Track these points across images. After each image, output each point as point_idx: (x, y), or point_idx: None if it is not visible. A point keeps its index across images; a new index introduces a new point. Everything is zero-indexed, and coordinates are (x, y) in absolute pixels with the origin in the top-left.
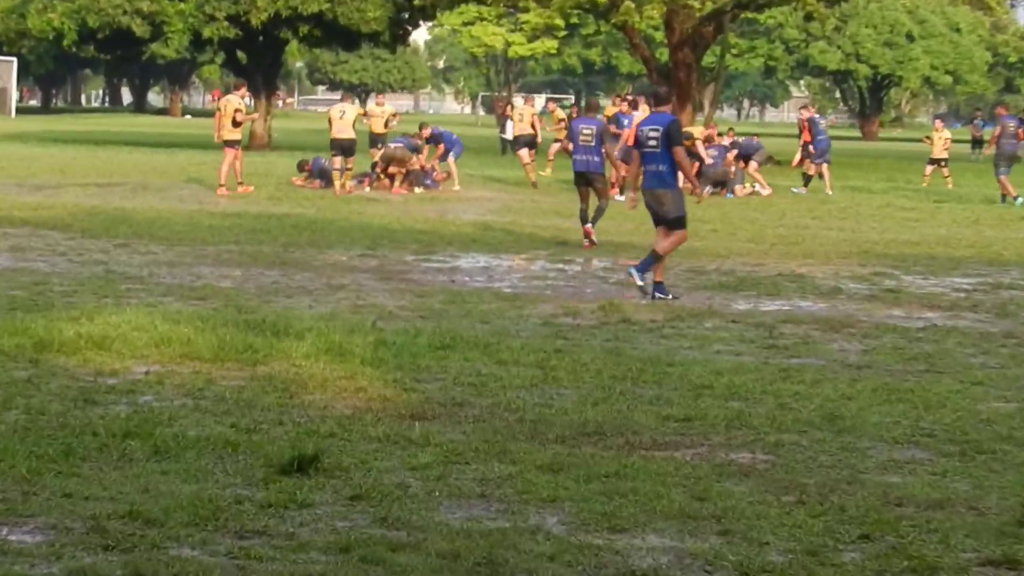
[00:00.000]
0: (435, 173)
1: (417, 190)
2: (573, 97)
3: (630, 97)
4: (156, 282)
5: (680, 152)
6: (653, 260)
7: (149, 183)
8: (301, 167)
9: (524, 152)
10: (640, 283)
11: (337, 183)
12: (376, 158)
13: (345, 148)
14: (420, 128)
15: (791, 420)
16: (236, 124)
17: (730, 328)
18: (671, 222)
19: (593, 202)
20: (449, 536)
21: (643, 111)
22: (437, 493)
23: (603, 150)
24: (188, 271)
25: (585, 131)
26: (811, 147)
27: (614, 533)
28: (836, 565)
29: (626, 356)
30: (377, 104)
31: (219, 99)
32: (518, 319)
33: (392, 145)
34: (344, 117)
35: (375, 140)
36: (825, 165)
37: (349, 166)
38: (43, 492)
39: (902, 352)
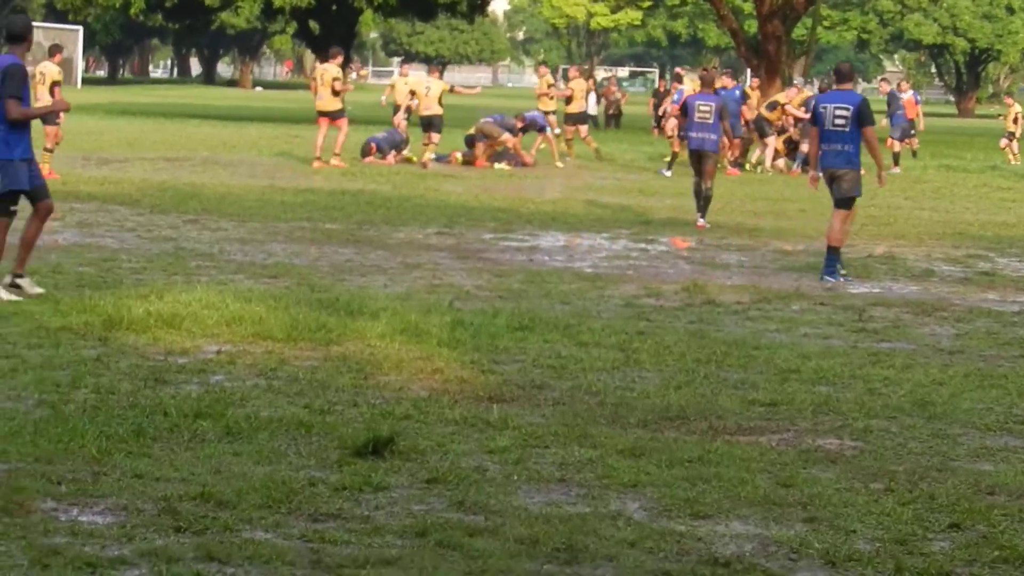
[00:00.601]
0: (527, 156)
1: (497, 166)
2: (658, 71)
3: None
4: (227, 259)
5: (871, 132)
6: (835, 257)
7: (218, 157)
8: (366, 152)
9: (583, 128)
10: (838, 279)
11: (425, 156)
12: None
13: (432, 123)
14: (516, 120)
15: (880, 406)
16: (336, 93)
17: (818, 311)
18: (842, 201)
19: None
20: (528, 521)
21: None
22: (515, 477)
23: (722, 128)
24: (260, 248)
25: (703, 107)
26: (888, 121)
27: (697, 519)
28: (925, 554)
29: (710, 339)
30: (401, 75)
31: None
32: (599, 300)
33: (484, 120)
34: (430, 92)
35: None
36: (898, 144)
37: (435, 141)
38: (114, 473)
39: (996, 337)
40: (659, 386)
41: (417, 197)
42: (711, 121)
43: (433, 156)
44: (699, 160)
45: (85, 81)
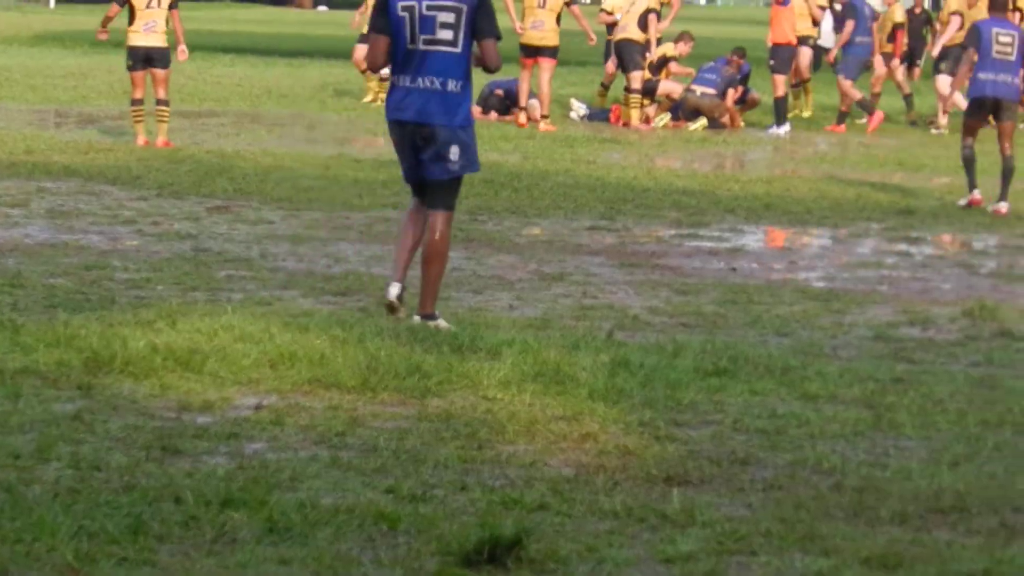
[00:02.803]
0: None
1: (692, 126)
2: None
3: None
4: (272, 267)
5: None
6: None
7: (261, 112)
8: (487, 103)
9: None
10: None
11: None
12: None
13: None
14: (734, 54)
15: None
16: (558, 20)
17: None
18: None
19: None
20: None
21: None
22: None
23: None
24: (322, 250)
25: (1002, 38)
26: None
27: None
28: None
29: (1004, 389)
30: None
31: None
32: (835, 330)
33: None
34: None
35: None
36: None
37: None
38: None
39: None
40: (925, 461)
41: (561, 172)
42: (1012, 57)
43: (584, 109)
44: (995, 111)
45: None
